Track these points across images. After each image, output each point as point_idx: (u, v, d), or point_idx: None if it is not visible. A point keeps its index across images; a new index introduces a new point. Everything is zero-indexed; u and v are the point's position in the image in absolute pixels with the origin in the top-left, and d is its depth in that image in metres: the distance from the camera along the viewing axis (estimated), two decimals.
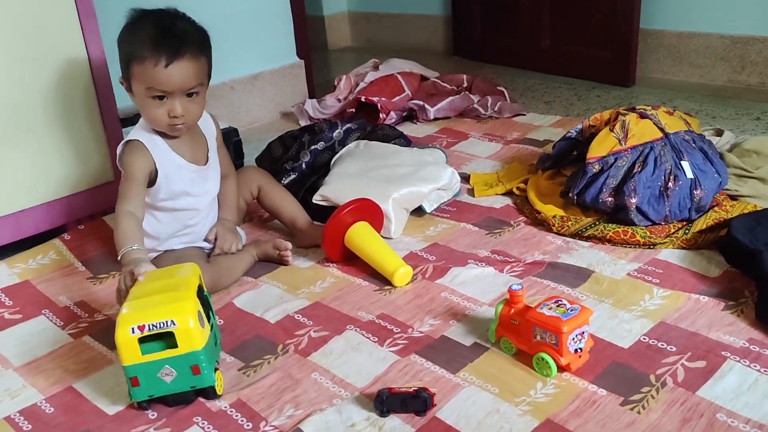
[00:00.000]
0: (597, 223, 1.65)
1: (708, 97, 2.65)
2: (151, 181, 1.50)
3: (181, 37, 1.40)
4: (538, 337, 1.21)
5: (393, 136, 2.13)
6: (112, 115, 1.83)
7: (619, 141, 1.67)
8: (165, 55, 1.37)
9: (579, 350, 1.21)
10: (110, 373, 1.32)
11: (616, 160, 1.66)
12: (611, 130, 1.69)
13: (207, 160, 1.59)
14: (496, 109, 2.54)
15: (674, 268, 1.49)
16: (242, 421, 1.16)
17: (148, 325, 1.13)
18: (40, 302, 1.58)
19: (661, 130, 1.67)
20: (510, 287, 1.26)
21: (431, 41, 3.78)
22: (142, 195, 1.48)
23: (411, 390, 1.15)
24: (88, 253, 1.75)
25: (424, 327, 1.37)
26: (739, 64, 2.76)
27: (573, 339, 1.19)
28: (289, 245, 1.65)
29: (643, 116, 1.71)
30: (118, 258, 1.38)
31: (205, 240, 1.62)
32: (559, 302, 1.22)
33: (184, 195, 1.54)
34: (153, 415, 1.19)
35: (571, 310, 1.20)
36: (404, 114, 2.59)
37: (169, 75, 1.39)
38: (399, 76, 2.70)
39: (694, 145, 1.67)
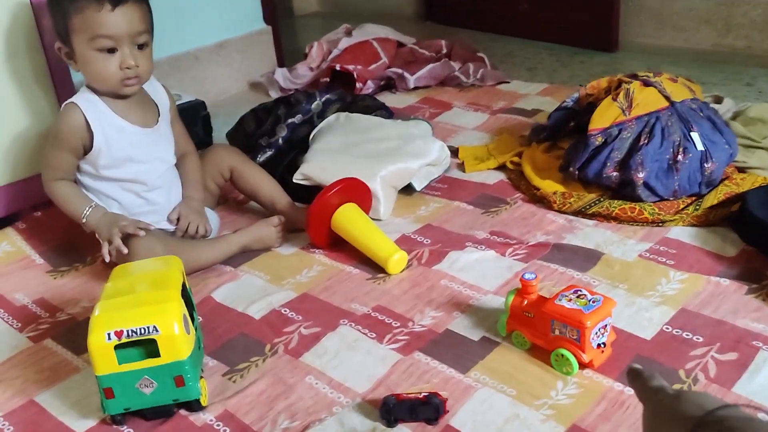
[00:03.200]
0: (601, 199, 1.54)
1: (695, 63, 2.56)
2: (88, 148, 1.38)
3: None
4: (557, 332, 1.10)
5: (374, 108, 1.99)
6: (66, 88, 1.64)
7: (623, 111, 1.56)
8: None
9: (602, 345, 1.10)
10: (77, 382, 1.17)
11: (620, 131, 1.55)
12: (614, 99, 1.58)
13: (157, 124, 1.46)
14: (478, 76, 2.41)
15: (688, 247, 1.40)
16: None
17: (127, 331, 0.99)
18: None
19: (667, 98, 1.57)
20: (522, 276, 1.14)
21: (401, 5, 3.61)
22: (69, 164, 1.39)
23: (420, 396, 1.03)
24: (47, 243, 1.58)
25: (426, 320, 1.25)
26: (724, 27, 2.66)
27: (596, 333, 1.08)
28: (282, 218, 1.53)
29: (646, 84, 1.60)
30: (82, 221, 1.35)
31: (168, 219, 1.48)
32: (579, 293, 1.11)
33: (128, 162, 1.41)
34: (129, 431, 1.05)
35: (594, 302, 1.09)
36: (382, 83, 2.44)
37: (116, 18, 1.30)
38: (374, 43, 2.54)
39: (701, 114, 1.57)
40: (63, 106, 1.38)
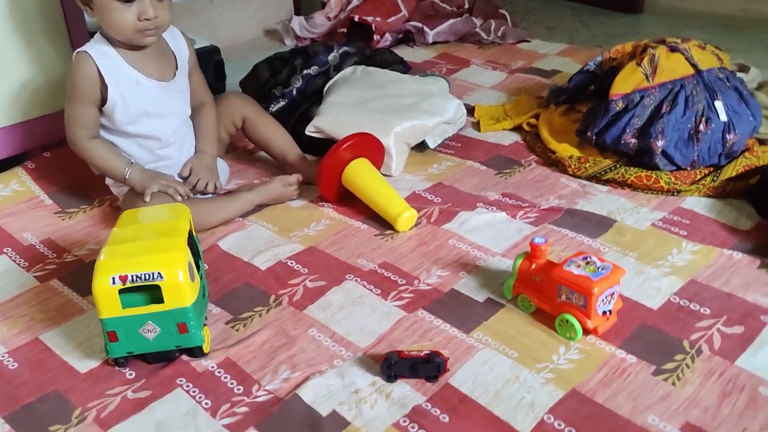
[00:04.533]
0: (617, 166, 1.51)
1: (719, 27, 2.48)
2: (103, 100, 1.34)
3: None
4: (564, 297, 1.09)
5: (392, 62, 1.95)
6: (79, 27, 1.62)
7: (647, 77, 1.52)
8: None
9: (607, 312, 1.09)
10: (82, 323, 1.18)
11: (642, 98, 1.51)
12: (638, 65, 1.54)
13: (174, 78, 1.42)
14: (499, 34, 2.36)
15: (702, 218, 1.37)
16: (232, 383, 1.04)
17: (132, 276, 0.99)
18: (2, 239, 1.42)
19: (694, 66, 1.52)
20: (532, 240, 1.13)
21: None
22: (95, 117, 1.36)
23: (422, 353, 1.03)
24: (56, 185, 1.58)
25: (432, 279, 1.25)
26: None
27: (602, 301, 1.07)
28: (300, 176, 1.50)
29: (673, 50, 1.55)
30: (124, 178, 1.36)
31: (179, 176, 1.46)
32: (588, 259, 1.10)
33: (144, 117, 1.38)
34: (131, 374, 1.06)
35: (602, 269, 1.07)
36: (400, 36, 2.40)
37: None
38: None
39: (728, 84, 1.52)
40: (75, 54, 1.33)
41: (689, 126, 1.47)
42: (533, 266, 1.14)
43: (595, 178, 1.51)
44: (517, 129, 1.77)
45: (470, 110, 1.85)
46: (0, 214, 1.49)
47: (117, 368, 1.07)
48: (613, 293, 1.09)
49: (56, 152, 1.66)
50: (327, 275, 1.27)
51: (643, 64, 1.53)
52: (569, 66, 2.09)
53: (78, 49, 1.34)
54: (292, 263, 1.30)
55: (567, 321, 1.08)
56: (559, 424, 0.94)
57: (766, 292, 1.16)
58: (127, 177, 1.36)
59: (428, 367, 1.02)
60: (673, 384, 0.99)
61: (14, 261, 1.35)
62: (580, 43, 2.37)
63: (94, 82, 1.32)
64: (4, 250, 1.38)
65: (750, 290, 1.17)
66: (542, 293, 1.12)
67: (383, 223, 1.40)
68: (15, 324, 1.18)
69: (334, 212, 1.46)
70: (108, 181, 1.46)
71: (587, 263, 1.09)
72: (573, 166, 1.54)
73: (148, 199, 1.33)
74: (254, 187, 1.49)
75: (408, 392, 1.00)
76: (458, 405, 0.98)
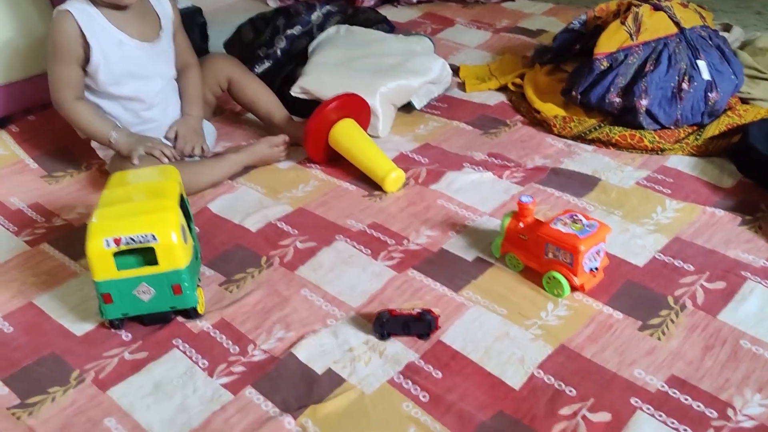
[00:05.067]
0: (602, 125, 1.53)
1: None
2: (86, 60, 1.33)
3: None
4: (551, 255, 1.11)
5: (375, 21, 1.94)
6: None
7: (631, 35, 1.53)
8: None
9: (594, 269, 1.12)
10: (75, 286, 1.18)
11: (626, 56, 1.52)
12: (622, 23, 1.54)
13: (158, 38, 1.41)
14: None
15: (685, 177, 1.40)
16: (227, 344, 1.05)
17: (125, 239, 0.99)
18: None
19: (677, 24, 1.53)
20: (519, 199, 1.15)
21: None
22: (79, 78, 1.35)
23: (414, 312, 1.05)
24: (41, 148, 1.57)
25: (421, 239, 1.26)
26: None
27: (589, 258, 1.09)
28: (287, 137, 1.50)
29: (656, 8, 1.56)
30: (110, 142, 1.34)
31: (165, 138, 1.45)
32: (575, 217, 1.12)
33: (128, 78, 1.37)
34: (127, 336, 1.08)
35: (589, 227, 1.10)
36: None
37: None
38: None
39: (710, 42, 1.54)
40: (55, 12, 1.31)
41: (672, 84, 1.48)
42: (521, 225, 1.15)
43: (580, 138, 1.53)
44: (503, 89, 1.77)
45: (455, 70, 1.85)
46: None
47: (113, 330, 1.08)
48: (599, 251, 1.11)
49: (40, 115, 1.64)
50: (317, 236, 1.28)
51: (627, 23, 1.54)
52: (554, 25, 2.09)
53: (58, 7, 1.32)
54: (281, 224, 1.31)
55: (554, 278, 1.11)
56: (549, 379, 0.97)
57: (747, 248, 1.20)
58: (112, 140, 1.35)
59: (420, 324, 1.04)
60: (659, 338, 1.03)
61: (2, 225, 1.35)
62: (566, 3, 2.37)
63: (76, 41, 1.31)
64: None
65: (731, 246, 1.20)
66: (529, 251, 1.14)
67: (371, 184, 1.41)
68: (7, 288, 1.19)
69: (322, 173, 1.47)
70: (94, 144, 1.45)
71: (574, 221, 1.11)
72: (558, 126, 1.55)
73: (136, 161, 1.32)
74: (241, 149, 1.48)
75: (401, 350, 1.03)
76: (450, 361, 1.01)
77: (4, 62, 1.56)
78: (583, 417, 0.92)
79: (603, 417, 0.92)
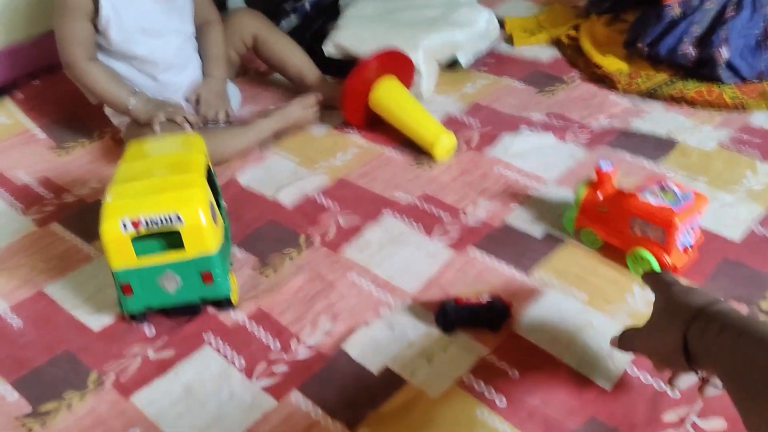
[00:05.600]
0: (673, 80, 1.36)
1: None
2: (96, 13, 1.18)
3: None
4: (637, 230, 0.96)
5: None
6: None
7: None
8: None
9: (688, 246, 0.96)
10: (90, 273, 1.04)
11: (702, 2, 1.35)
12: None
13: None
14: None
15: None
16: (267, 339, 0.91)
17: (145, 220, 0.85)
18: None
19: None
20: (598, 166, 0.99)
21: None
22: (90, 34, 1.20)
23: (482, 300, 0.90)
24: (49, 116, 1.42)
25: (479, 212, 1.11)
26: None
27: (683, 233, 0.94)
28: (320, 95, 1.34)
29: None
30: (128, 109, 1.21)
31: (186, 101, 1.30)
32: (665, 186, 0.96)
33: (140, 34, 1.22)
34: (151, 331, 0.94)
35: (684, 198, 0.94)
36: None
37: None
38: None
39: None
40: None
41: (756, 32, 1.31)
42: (599, 196, 1.00)
43: (649, 95, 1.36)
44: (555, 42, 1.60)
45: (500, 23, 1.67)
46: None
47: (134, 324, 0.94)
48: (695, 225, 0.96)
49: (47, 80, 1.49)
50: (361, 211, 1.13)
51: None
52: None
53: None
54: (320, 198, 1.17)
55: (642, 257, 0.95)
56: (646, 378, 0.83)
57: None
58: (131, 107, 1.21)
59: (490, 314, 0.89)
60: None
61: (8, 203, 1.21)
62: None
63: None
64: None
65: None
66: (610, 226, 0.99)
67: (418, 151, 1.26)
68: (14, 275, 1.05)
69: (362, 139, 1.32)
70: (107, 110, 1.31)
71: (665, 191, 0.95)
72: (623, 82, 1.38)
73: (157, 129, 1.18)
74: (270, 112, 1.33)
75: (469, 344, 0.88)
76: (527, 357, 0.86)
77: (5, 22, 1.41)
78: (693, 425, 0.77)
79: (716, 424, 0.77)
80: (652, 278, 0.77)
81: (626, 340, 0.78)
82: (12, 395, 0.86)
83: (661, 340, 0.69)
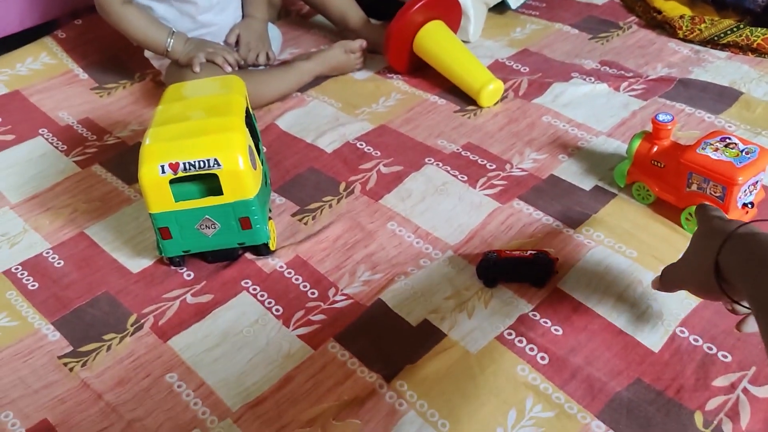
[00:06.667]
0: (740, 26, 1.28)
1: None
2: None
3: None
4: (695, 187, 0.91)
5: None
6: None
7: None
8: None
9: (749, 205, 0.91)
10: (130, 215, 1.04)
11: None
12: None
13: None
14: None
15: None
16: (305, 286, 0.90)
17: (184, 164, 0.83)
18: (36, 119, 1.27)
19: None
20: (655, 117, 0.94)
21: None
22: None
23: (526, 253, 0.87)
24: (90, 57, 1.41)
25: (526, 163, 1.07)
26: None
27: (744, 191, 0.89)
28: (364, 42, 1.30)
29: None
30: (166, 50, 1.18)
31: (225, 42, 1.27)
32: (728, 141, 0.90)
33: None
34: (189, 275, 0.93)
35: (747, 153, 0.88)
36: None
37: None
38: None
39: None
40: None
41: None
42: (655, 149, 0.95)
43: (712, 42, 1.29)
44: None
45: None
46: (32, 90, 1.33)
47: (173, 268, 0.94)
48: (757, 182, 0.90)
49: (88, 19, 1.47)
50: (403, 159, 1.10)
51: None
52: None
53: None
54: (361, 144, 1.14)
55: None
56: (696, 340, 0.79)
57: None
58: (169, 49, 1.19)
59: (534, 268, 0.86)
60: None
61: (51, 143, 1.21)
62: None
63: None
64: (39, 131, 1.24)
65: None
66: (665, 181, 0.94)
67: (464, 97, 1.22)
68: (57, 215, 1.05)
69: (406, 85, 1.28)
70: (147, 53, 1.29)
71: (727, 146, 0.90)
72: (685, 28, 1.31)
73: (197, 69, 1.16)
74: (312, 55, 1.29)
75: (511, 299, 0.86)
76: (572, 315, 0.83)
77: None
78: (745, 390, 0.74)
79: None
80: (699, 210, 0.75)
81: (666, 277, 0.77)
82: (54, 334, 0.87)
83: (696, 266, 0.68)
